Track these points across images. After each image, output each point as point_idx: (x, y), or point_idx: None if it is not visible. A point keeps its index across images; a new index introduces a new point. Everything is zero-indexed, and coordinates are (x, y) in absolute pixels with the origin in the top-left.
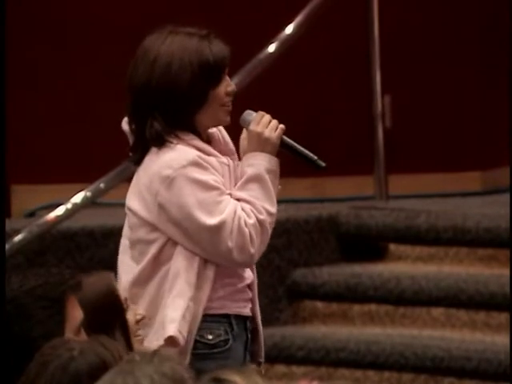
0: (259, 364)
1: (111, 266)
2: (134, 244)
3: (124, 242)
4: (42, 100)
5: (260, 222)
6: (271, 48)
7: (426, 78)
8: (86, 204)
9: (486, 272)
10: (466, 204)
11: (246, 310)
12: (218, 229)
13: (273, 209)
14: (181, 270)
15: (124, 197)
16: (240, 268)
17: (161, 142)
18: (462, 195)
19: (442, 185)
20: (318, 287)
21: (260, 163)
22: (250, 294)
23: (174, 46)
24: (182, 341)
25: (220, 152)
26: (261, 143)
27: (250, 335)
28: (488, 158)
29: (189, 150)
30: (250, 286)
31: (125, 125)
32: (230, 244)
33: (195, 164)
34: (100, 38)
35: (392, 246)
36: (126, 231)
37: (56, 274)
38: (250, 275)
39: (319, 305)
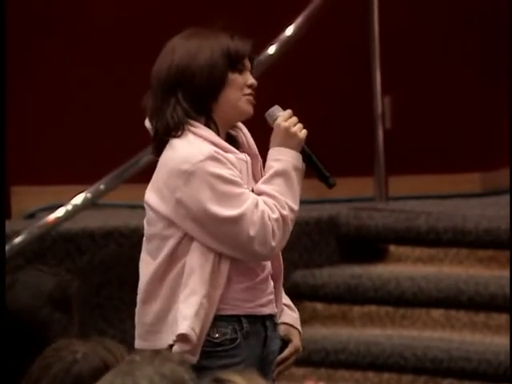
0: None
1: (111, 267)
2: (150, 239)
3: (144, 238)
4: (42, 101)
5: (283, 217)
6: (271, 50)
7: (426, 78)
8: (86, 205)
9: (486, 273)
10: (466, 205)
11: (263, 309)
12: (237, 220)
13: (295, 206)
14: (196, 266)
15: (124, 198)
16: (256, 262)
17: (179, 130)
18: (461, 196)
19: (441, 186)
20: (317, 288)
21: (287, 159)
22: (272, 286)
23: (193, 35)
24: (194, 338)
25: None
26: (288, 138)
27: (269, 333)
28: (488, 160)
29: (204, 144)
30: (270, 277)
31: (147, 123)
32: (252, 233)
33: (213, 158)
34: (101, 38)
35: (392, 248)
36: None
37: (63, 276)
38: (268, 268)
39: (319, 306)
